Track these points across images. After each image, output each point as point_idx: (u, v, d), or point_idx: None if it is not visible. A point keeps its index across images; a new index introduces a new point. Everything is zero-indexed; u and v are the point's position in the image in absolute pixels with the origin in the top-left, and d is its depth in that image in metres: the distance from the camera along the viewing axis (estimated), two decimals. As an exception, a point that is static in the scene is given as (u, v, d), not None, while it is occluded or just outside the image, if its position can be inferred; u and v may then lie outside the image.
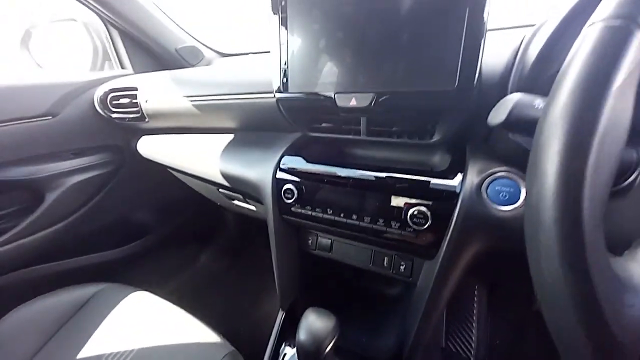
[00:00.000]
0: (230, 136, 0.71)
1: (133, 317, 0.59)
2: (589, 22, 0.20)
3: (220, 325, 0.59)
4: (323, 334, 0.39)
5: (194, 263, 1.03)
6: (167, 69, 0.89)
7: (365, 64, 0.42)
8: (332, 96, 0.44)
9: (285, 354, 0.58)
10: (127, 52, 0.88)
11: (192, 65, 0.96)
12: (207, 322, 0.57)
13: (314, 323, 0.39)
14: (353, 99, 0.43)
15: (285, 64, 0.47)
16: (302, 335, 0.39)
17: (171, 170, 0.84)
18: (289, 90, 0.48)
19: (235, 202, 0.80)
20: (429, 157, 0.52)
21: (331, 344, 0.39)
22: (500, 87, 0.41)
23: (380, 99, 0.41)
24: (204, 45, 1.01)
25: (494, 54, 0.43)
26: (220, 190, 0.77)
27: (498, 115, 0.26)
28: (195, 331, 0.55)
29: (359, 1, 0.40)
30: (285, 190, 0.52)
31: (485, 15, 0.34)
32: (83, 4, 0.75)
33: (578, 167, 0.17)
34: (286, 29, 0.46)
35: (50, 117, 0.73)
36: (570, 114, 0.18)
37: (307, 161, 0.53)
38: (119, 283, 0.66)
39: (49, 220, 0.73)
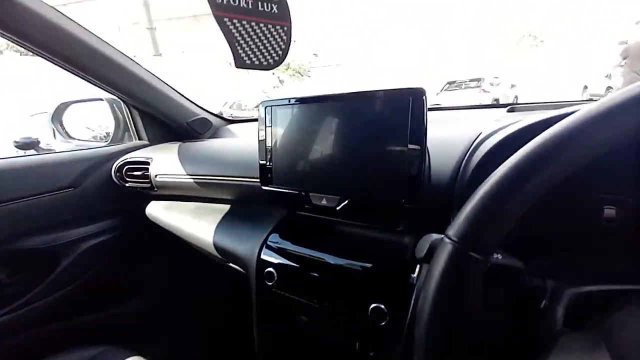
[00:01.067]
0: (227, 207, 0.80)
1: None
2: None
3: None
4: None
5: (193, 319, 1.07)
6: (180, 139, 1.02)
7: (332, 172, 0.50)
8: (307, 194, 0.53)
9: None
10: (143, 126, 1.01)
11: (201, 134, 1.08)
12: None
13: None
14: (324, 199, 0.51)
15: (269, 164, 0.56)
16: None
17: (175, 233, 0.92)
18: (271, 185, 0.57)
19: (231, 264, 0.86)
20: (402, 238, 0.58)
21: None
22: (447, 189, 0.48)
23: (344, 202, 0.49)
24: (210, 113, 1.14)
25: (445, 157, 0.51)
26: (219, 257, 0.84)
27: (420, 250, 0.33)
28: None
29: (327, 122, 0.50)
30: (266, 272, 0.59)
31: (423, 138, 0.43)
32: (105, 90, 0.88)
33: None
34: (271, 137, 0.55)
35: (72, 188, 0.83)
36: None
37: (290, 242, 0.60)
38: (116, 345, 0.71)
39: (61, 284, 0.80)
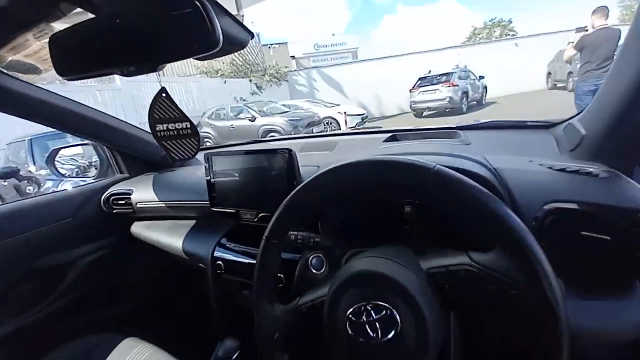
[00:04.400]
0: (193, 221, 1.06)
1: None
2: None
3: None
4: (231, 348, 0.69)
5: (172, 308, 1.33)
6: (155, 170, 1.26)
7: (250, 197, 0.78)
8: (238, 212, 0.80)
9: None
10: (123, 162, 1.26)
11: (172, 164, 1.33)
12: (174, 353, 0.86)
13: (225, 343, 0.70)
14: (248, 214, 0.79)
15: (212, 192, 0.84)
16: (219, 352, 0.70)
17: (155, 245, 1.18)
18: (215, 207, 0.84)
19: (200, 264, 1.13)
20: None
21: (236, 355, 0.69)
22: None
23: (260, 215, 0.77)
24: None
25: None
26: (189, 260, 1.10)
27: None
28: None
29: (245, 165, 0.78)
30: (217, 264, 0.86)
31: (293, 178, 0.70)
32: (87, 139, 1.12)
33: None
34: (210, 172, 0.83)
35: (70, 218, 1.08)
36: None
37: (234, 242, 0.87)
38: (115, 333, 0.96)
39: (68, 292, 1.05)
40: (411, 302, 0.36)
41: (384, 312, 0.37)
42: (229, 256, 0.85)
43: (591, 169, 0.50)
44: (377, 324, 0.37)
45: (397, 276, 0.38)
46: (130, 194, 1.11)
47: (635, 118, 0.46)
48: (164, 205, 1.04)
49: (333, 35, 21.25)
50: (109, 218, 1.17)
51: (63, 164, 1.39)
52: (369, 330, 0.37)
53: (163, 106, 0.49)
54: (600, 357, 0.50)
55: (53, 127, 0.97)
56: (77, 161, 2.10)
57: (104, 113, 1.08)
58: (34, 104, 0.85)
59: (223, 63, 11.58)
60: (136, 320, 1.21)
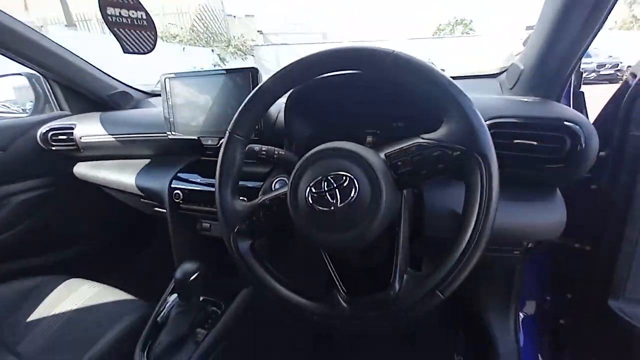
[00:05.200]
0: (147, 160, 1.01)
1: (69, 298, 0.83)
2: None
3: (139, 291, 0.86)
4: (190, 270, 0.69)
5: (122, 247, 1.28)
6: (102, 110, 1.16)
7: (212, 119, 0.76)
8: (199, 138, 0.78)
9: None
10: (65, 98, 1.13)
11: (122, 106, 1.23)
12: (126, 290, 0.84)
13: (184, 266, 0.70)
14: (209, 140, 0.77)
15: (170, 117, 0.80)
16: (177, 274, 0.69)
17: (103, 188, 1.10)
18: (174, 132, 0.81)
19: (156, 208, 1.08)
20: None
21: (195, 275, 0.69)
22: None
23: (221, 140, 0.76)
24: (132, 88, 1.28)
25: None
26: (142, 200, 1.04)
27: None
28: (116, 296, 0.82)
29: (207, 89, 0.75)
30: (175, 193, 0.83)
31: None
32: (25, 65, 0.99)
33: None
34: (169, 96, 0.79)
35: (2, 151, 0.96)
36: None
37: (192, 174, 0.85)
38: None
39: (1, 229, 0.95)
40: (369, 172, 0.40)
41: (344, 179, 0.41)
42: (188, 186, 0.83)
43: (525, 98, 0.59)
44: (336, 191, 0.41)
45: (356, 149, 0.41)
46: (72, 129, 1.02)
47: (557, 51, 0.55)
48: (114, 139, 0.97)
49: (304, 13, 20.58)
50: (47, 156, 1.06)
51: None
52: (328, 198, 0.41)
53: (114, -15, 0.45)
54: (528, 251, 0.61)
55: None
56: (9, 108, 1.84)
57: (49, 39, 0.96)
58: None
59: (182, 29, 10.64)
60: (82, 264, 1.13)
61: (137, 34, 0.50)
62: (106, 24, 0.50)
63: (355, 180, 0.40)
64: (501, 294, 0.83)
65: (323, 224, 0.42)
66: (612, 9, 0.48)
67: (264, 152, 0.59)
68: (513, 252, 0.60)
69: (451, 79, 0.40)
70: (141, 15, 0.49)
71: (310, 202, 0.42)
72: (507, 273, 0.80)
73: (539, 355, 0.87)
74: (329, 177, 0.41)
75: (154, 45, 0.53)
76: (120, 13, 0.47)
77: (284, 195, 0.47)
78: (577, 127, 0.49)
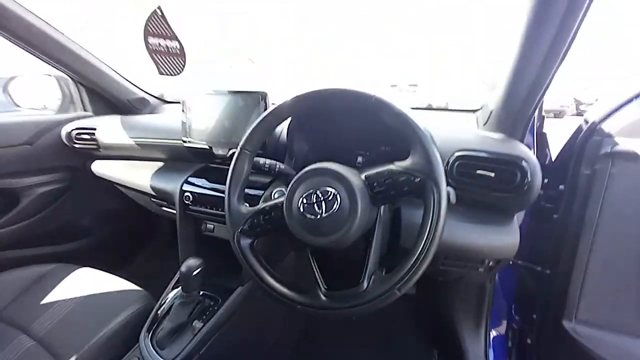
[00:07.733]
0: (160, 163, 1.10)
1: (80, 285, 0.90)
2: None
3: (143, 282, 0.93)
4: (194, 265, 0.77)
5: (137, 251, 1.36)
6: (121, 113, 1.26)
7: (223, 132, 0.86)
8: (211, 148, 0.88)
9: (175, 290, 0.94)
10: (89, 100, 1.24)
11: (140, 110, 1.33)
12: (133, 281, 0.91)
13: (189, 261, 0.78)
14: (220, 150, 0.87)
15: (188, 128, 0.90)
16: (182, 268, 0.77)
17: (116, 185, 1.19)
18: (190, 140, 0.90)
19: (164, 207, 1.16)
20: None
21: (198, 270, 0.77)
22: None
23: (231, 152, 0.85)
24: (150, 95, 1.39)
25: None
26: (152, 199, 1.13)
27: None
28: (123, 286, 0.89)
29: (221, 105, 0.85)
30: (185, 196, 0.92)
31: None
32: (55, 67, 1.09)
33: None
34: (189, 109, 0.89)
35: (29, 145, 1.05)
36: None
37: (202, 179, 0.94)
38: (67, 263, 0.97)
39: (21, 217, 1.03)
40: (350, 189, 0.50)
41: (329, 194, 0.50)
42: (197, 190, 0.92)
43: (493, 135, 0.68)
44: (323, 203, 0.50)
45: (342, 171, 0.51)
46: (95, 129, 1.11)
47: (519, 93, 0.63)
48: (133, 143, 1.07)
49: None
50: (69, 153, 1.16)
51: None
52: (316, 208, 0.50)
53: (158, 22, 0.55)
54: (487, 269, 0.69)
55: (22, 46, 0.94)
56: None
57: (79, 45, 1.06)
58: (8, 15, 0.83)
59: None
60: (93, 255, 1.21)
61: (171, 60, 0.59)
62: (147, 51, 0.60)
63: (338, 196, 0.50)
64: (474, 312, 0.91)
65: (311, 228, 0.52)
66: (567, 53, 0.52)
67: (267, 166, 0.69)
68: (478, 269, 0.68)
69: (416, 122, 0.50)
70: (176, 45, 0.59)
71: (302, 210, 0.52)
72: (479, 291, 0.88)
73: None
74: (317, 192, 0.51)
75: (183, 69, 0.63)
76: (159, 43, 0.57)
77: (281, 204, 0.56)
78: (526, 164, 0.58)
